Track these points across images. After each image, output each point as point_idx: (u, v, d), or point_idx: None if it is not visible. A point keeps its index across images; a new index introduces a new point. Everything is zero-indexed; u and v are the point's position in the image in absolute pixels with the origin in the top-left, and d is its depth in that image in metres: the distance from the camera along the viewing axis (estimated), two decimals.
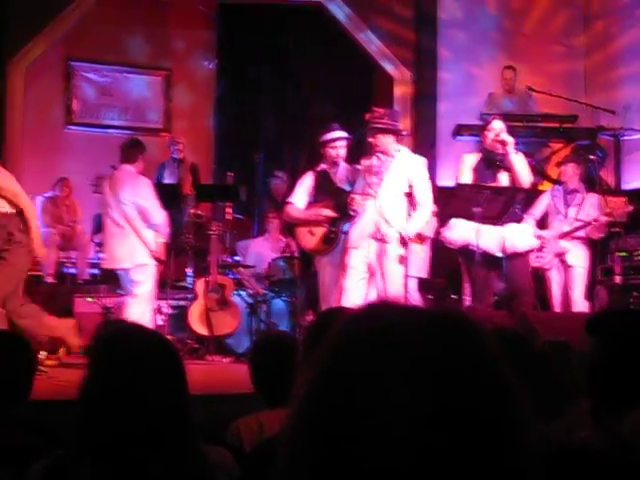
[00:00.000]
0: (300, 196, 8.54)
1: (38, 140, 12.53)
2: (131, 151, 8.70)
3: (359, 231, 7.89)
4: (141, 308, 8.46)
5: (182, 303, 9.82)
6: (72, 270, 11.56)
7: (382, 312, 1.10)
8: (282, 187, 11.84)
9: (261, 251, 10.66)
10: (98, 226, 12.16)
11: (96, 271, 11.75)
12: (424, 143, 11.65)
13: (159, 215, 8.60)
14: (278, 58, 13.85)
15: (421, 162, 8.07)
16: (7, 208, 7.42)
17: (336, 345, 1.08)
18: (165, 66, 13.98)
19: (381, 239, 7.79)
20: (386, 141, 7.84)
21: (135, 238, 8.44)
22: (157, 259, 8.63)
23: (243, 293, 9.81)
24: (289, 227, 9.58)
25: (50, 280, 11.27)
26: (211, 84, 14.15)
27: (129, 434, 2.29)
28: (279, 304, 9.76)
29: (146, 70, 13.92)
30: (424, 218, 8.03)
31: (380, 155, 7.89)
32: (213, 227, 9.61)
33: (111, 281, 10.77)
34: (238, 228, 11.55)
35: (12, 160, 11.40)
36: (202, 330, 9.17)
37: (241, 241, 11.33)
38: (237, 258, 10.98)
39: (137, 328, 2.78)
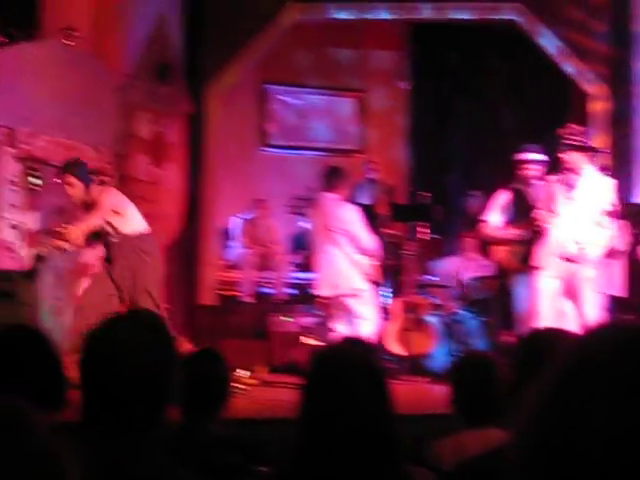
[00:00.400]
0: (495, 214, 8.44)
1: (235, 162, 12.83)
2: (330, 179, 8.72)
3: (546, 250, 7.73)
4: (368, 329, 8.52)
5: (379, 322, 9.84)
6: (269, 290, 11.76)
7: (612, 336, 1.09)
8: (478, 206, 11.73)
9: (456, 271, 10.60)
10: (295, 246, 12.37)
11: (294, 291, 11.94)
12: (620, 159, 11.34)
13: (370, 241, 8.59)
14: (471, 76, 13.78)
15: (609, 184, 7.84)
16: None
17: (571, 369, 1.07)
18: (360, 87, 14.10)
19: (570, 259, 7.61)
20: (578, 159, 7.66)
21: (349, 264, 8.43)
22: (373, 282, 8.64)
23: (439, 313, 9.76)
24: (484, 245, 9.49)
25: (248, 300, 11.52)
26: (404, 104, 14.18)
27: (341, 454, 2.31)
28: (475, 324, 9.67)
29: (341, 92, 14.07)
30: (606, 238, 7.78)
31: (569, 172, 7.71)
32: (408, 247, 9.59)
33: (308, 301, 10.92)
34: (433, 248, 11.52)
35: (210, 182, 11.72)
36: (398, 350, 9.17)
37: (436, 261, 11.29)
38: (432, 278, 10.95)
39: (348, 349, 2.80)
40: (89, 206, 7.50)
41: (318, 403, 2.40)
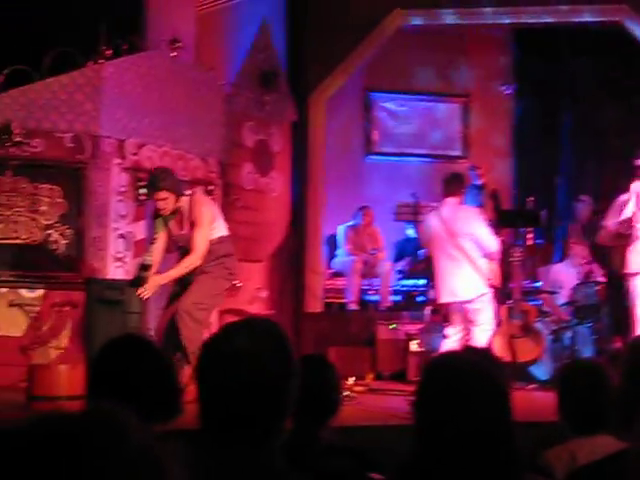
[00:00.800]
0: (614, 219, 8.31)
1: (339, 170, 12.85)
2: (455, 185, 8.64)
3: (638, 255, 7.60)
4: (485, 335, 8.46)
5: None
6: (374, 297, 11.76)
7: None
8: (587, 211, 11.57)
9: (564, 277, 10.46)
10: (399, 254, 12.35)
11: (398, 298, 11.92)
12: None
13: (494, 243, 8.53)
14: (575, 79, 13.60)
15: None
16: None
17: None
18: (462, 93, 14.02)
19: None
20: None
21: (472, 269, 8.36)
22: (493, 286, 8.57)
23: (546, 319, 9.64)
24: (600, 250, 9.39)
25: (353, 307, 11.53)
26: (509, 109, 14.05)
27: (460, 463, 2.29)
28: (583, 330, 9.52)
29: (443, 97, 14.01)
30: None
31: None
32: (515, 253, 9.49)
33: (413, 308, 10.90)
34: (539, 253, 11.39)
35: (315, 190, 11.77)
36: (505, 356, 9.07)
37: (543, 267, 11.16)
38: (539, 284, 10.82)
39: (463, 356, 2.78)
40: (175, 214, 7.53)
41: (434, 410, 2.38)
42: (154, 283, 7.24)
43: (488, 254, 8.39)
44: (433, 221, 8.45)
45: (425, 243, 8.94)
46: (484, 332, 8.46)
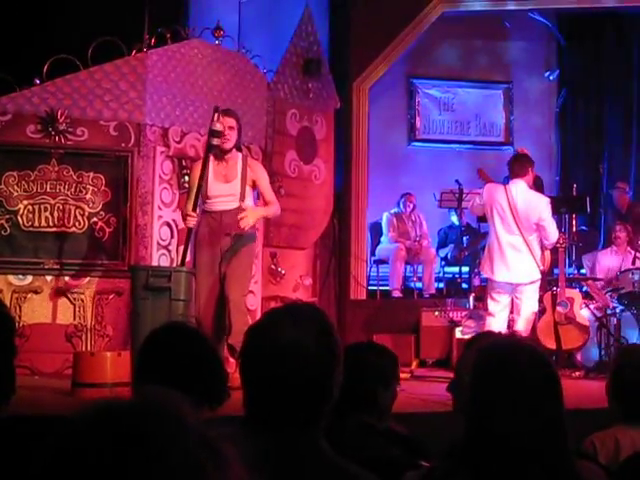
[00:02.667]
0: None
1: (382, 157, 12.86)
2: (523, 164, 8.61)
3: None
4: (528, 323, 8.48)
5: None
6: (418, 284, 11.76)
7: None
8: (624, 198, 11.50)
9: (609, 263, 10.41)
10: (443, 241, 12.33)
11: (442, 285, 11.91)
12: None
13: (556, 235, 8.56)
14: (620, 66, 13.49)
15: None
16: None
17: None
18: (505, 79, 13.95)
19: None
20: None
21: (529, 254, 8.37)
22: (543, 272, 8.58)
23: (592, 306, 9.58)
24: None
25: (397, 294, 11.54)
26: (552, 96, 13.96)
27: (512, 448, 2.28)
28: (628, 316, 9.45)
29: (487, 84, 13.95)
30: None
31: None
32: (560, 240, 9.42)
33: (458, 295, 10.88)
34: (584, 240, 11.32)
35: (358, 178, 11.78)
36: (550, 344, 9.04)
37: (587, 254, 11.10)
38: (583, 271, 10.76)
39: (514, 342, 2.77)
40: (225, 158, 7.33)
41: (487, 394, 2.38)
42: (255, 214, 7.32)
43: (547, 244, 8.41)
44: (500, 197, 8.40)
45: (483, 214, 8.85)
46: (527, 320, 8.46)
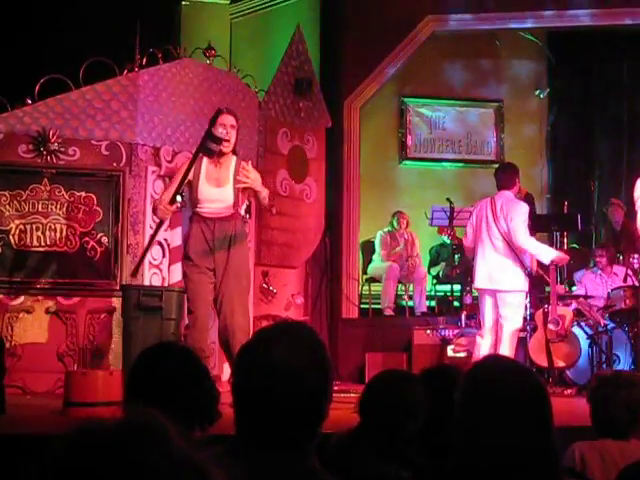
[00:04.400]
0: None
1: (373, 176, 12.89)
2: (509, 176, 8.65)
3: None
4: (514, 343, 8.50)
5: (522, 334, 9.72)
6: (410, 302, 11.76)
7: None
8: (618, 214, 11.54)
9: (600, 281, 10.43)
10: (434, 259, 12.34)
11: (433, 303, 11.92)
12: None
13: (523, 236, 8.54)
14: (610, 84, 13.56)
15: None
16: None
17: None
18: (496, 98, 14.00)
19: None
20: None
21: (514, 263, 8.39)
22: (532, 273, 8.61)
23: (583, 324, 9.59)
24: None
25: (389, 312, 11.54)
26: (543, 114, 14.02)
27: (501, 466, 2.28)
28: (620, 334, 9.46)
29: (477, 103, 13.99)
30: None
31: None
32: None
33: (448, 313, 10.89)
34: (575, 258, 11.34)
35: (350, 196, 11.80)
36: (542, 361, 9.04)
37: (579, 271, 11.13)
38: (575, 288, 10.78)
39: (503, 361, 2.77)
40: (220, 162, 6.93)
41: (476, 414, 2.38)
42: (257, 179, 6.78)
43: (518, 247, 8.38)
44: (486, 208, 8.47)
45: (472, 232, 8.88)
46: (510, 344, 8.47)
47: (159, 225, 7.17)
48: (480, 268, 8.52)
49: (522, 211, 8.42)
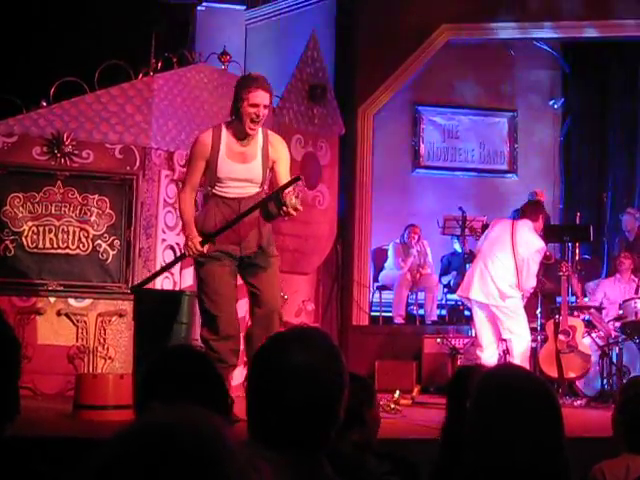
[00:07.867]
0: None
1: (386, 184, 12.87)
2: (537, 211, 8.94)
3: None
4: (526, 357, 8.56)
5: (532, 345, 9.70)
6: (421, 311, 11.76)
7: None
8: (633, 223, 11.50)
9: (612, 292, 10.40)
10: (445, 268, 12.32)
11: (444, 312, 11.91)
12: None
13: (532, 282, 8.66)
14: (625, 93, 13.54)
15: None
16: None
17: None
18: (510, 107, 13.99)
19: None
20: None
21: (511, 280, 8.52)
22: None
23: (594, 335, 9.57)
24: None
25: (399, 321, 11.54)
26: (557, 124, 14.00)
27: (512, 476, 2.28)
28: (631, 346, 9.43)
29: (491, 112, 13.98)
30: None
31: None
32: (563, 268, 9.42)
33: (459, 322, 10.88)
34: (587, 268, 11.32)
35: (362, 204, 11.78)
36: (552, 372, 9.03)
37: (590, 282, 11.10)
38: (586, 299, 10.76)
39: (516, 370, 2.77)
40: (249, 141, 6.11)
41: (487, 423, 2.37)
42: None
43: (523, 289, 8.51)
44: (504, 225, 8.75)
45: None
46: (517, 345, 8.53)
47: (180, 257, 6.76)
48: (476, 279, 8.60)
49: (537, 256, 8.62)
